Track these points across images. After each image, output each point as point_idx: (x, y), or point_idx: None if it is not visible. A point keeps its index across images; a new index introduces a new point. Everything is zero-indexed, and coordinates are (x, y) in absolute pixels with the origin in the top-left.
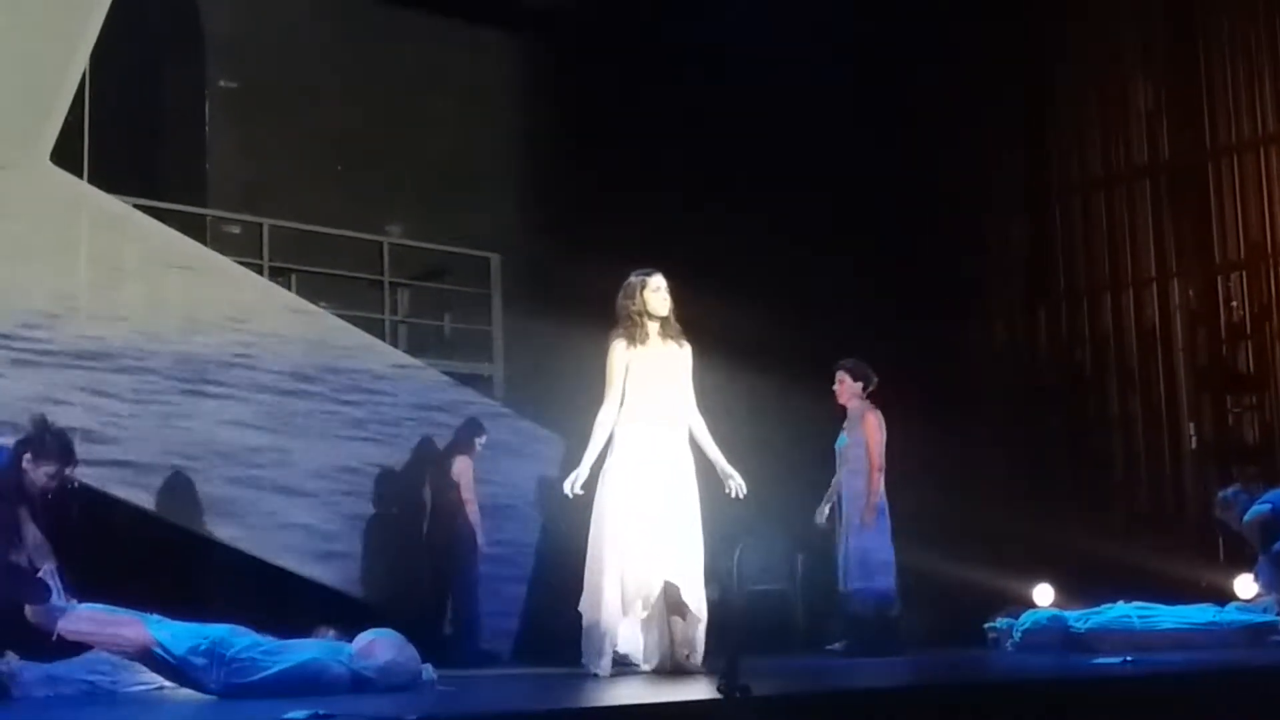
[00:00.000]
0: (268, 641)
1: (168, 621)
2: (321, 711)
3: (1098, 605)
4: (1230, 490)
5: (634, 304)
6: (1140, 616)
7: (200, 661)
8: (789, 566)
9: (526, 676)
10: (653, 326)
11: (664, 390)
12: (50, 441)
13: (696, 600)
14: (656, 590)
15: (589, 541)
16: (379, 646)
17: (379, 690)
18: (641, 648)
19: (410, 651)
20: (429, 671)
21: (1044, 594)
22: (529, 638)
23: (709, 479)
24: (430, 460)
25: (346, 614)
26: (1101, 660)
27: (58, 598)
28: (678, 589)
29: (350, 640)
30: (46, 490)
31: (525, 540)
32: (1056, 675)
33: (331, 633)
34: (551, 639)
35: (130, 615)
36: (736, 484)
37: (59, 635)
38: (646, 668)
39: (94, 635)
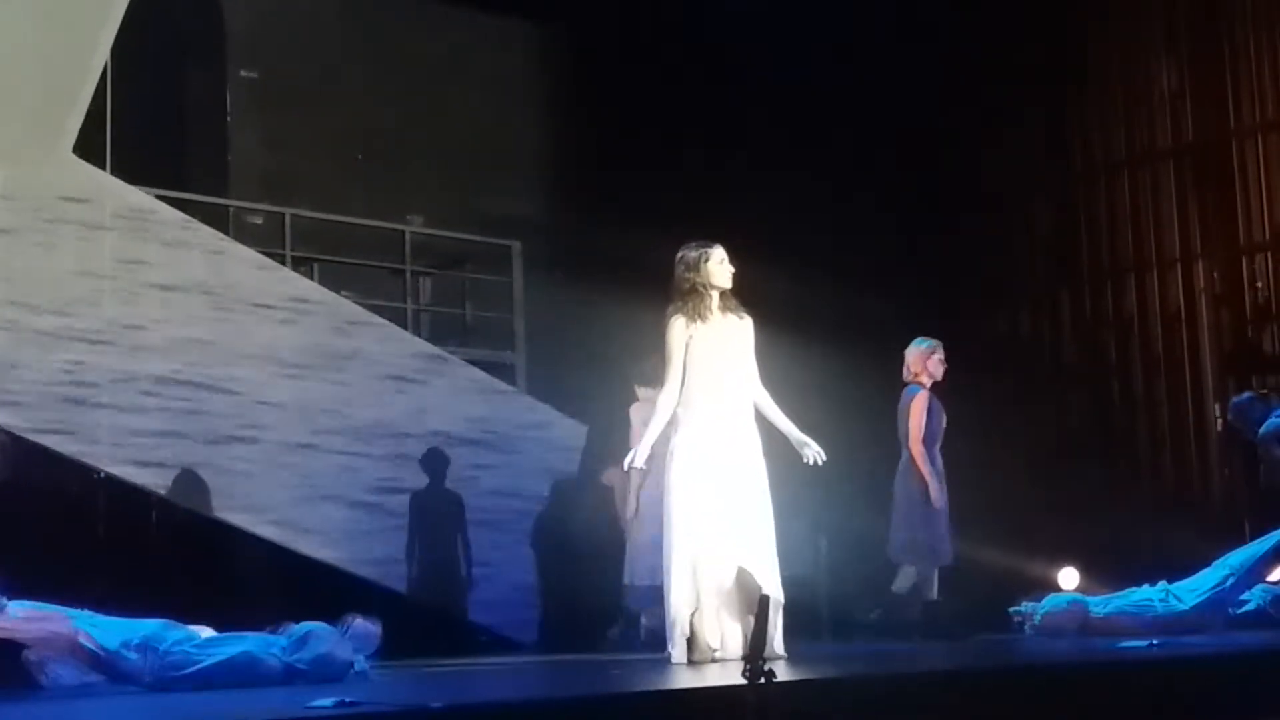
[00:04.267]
0: (200, 635)
1: (97, 616)
2: (348, 699)
3: (1123, 588)
4: (1245, 396)
5: (697, 276)
6: (1161, 600)
7: (133, 656)
8: (813, 550)
9: (549, 664)
10: (714, 300)
11: (727, 366)
12: None
13: (773, 586)
14: (730, 579)
15: (662, 529)
16: (312, 640)
17: (311, 682)
18: (723, 636)
19: (343, 644)
20: (361, 663)
21: (1069, 577)
22: (553, 624)
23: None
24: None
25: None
26: (1127, 644)
27: None
28: (752, 576)
29: (283, 633)
30: None
31: (548, 528)
32: (1077, 659)
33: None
34: (576, 625)
35: (59, 612)
36: (814, 451)
37: None
38: (730, 656)
39: (24, 632)
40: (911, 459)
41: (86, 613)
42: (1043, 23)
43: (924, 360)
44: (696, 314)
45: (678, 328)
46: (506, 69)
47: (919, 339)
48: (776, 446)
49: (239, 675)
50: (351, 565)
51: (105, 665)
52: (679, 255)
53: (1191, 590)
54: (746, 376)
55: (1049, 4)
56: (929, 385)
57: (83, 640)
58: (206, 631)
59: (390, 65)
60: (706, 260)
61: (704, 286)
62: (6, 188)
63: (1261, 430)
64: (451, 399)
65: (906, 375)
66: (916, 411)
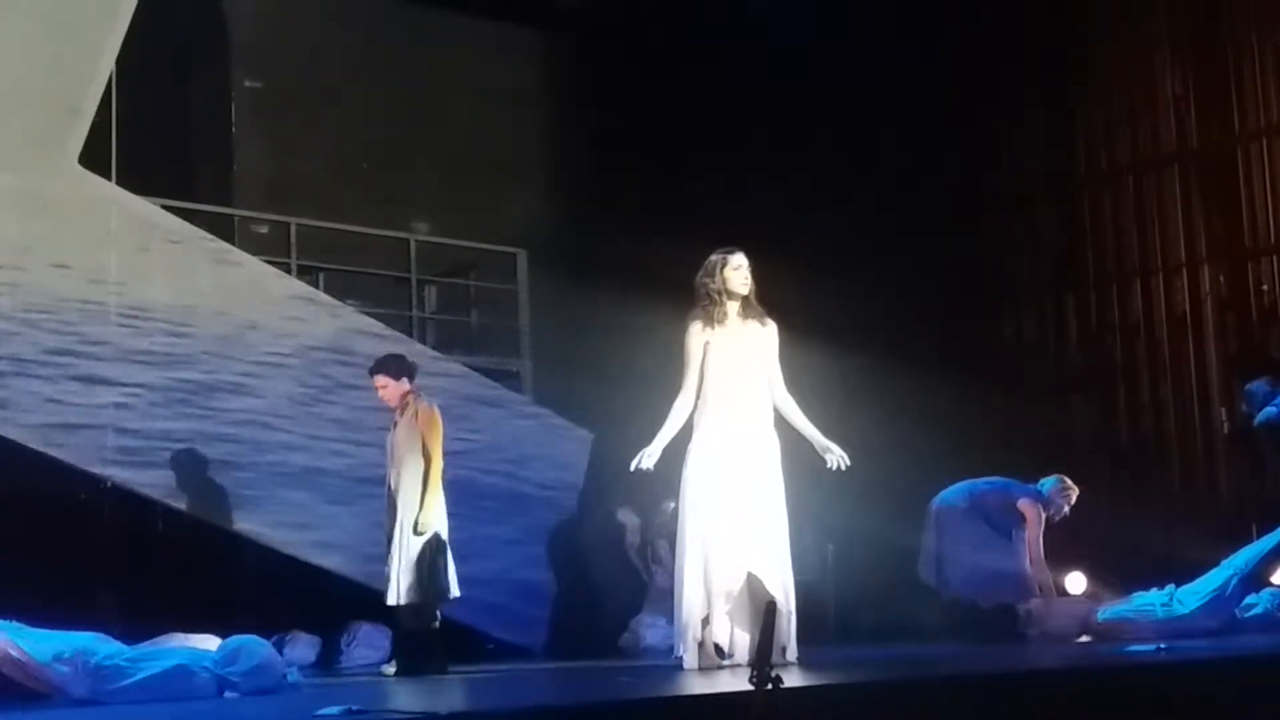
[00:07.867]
0: (131, 649)
1: (25, 628)
2: (355, 708)
3: (1131, 592)
4: (1257, 383)
5: (713, 282)
6: (1164, 604)
7: (65, 669)
8: (819, 557)
9: (558, 670)
10: (732, 306)
11: (745, 371)
12: None
13: (784, 594)
14: (739, 584)
15: (677, 534)
16: (244, 653)
17: (244, 694)
18: (734, 642)
19: (274, 656)
20: (294, 674)
21: (1076, 582)
22: (561, 631)
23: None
24: None
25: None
26: (1135, 649)
27: None
28: (762, 583)
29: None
30: None
31: (555, 535)
32: (1085, 664)
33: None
34: (584, 632)
35: None
36: (837, 455)
37: None
38: (740, 661)
39: None
40: (1030, 571)
41: (15, 624)
42: (1047, 26)
43: (1058, 496)
44: (713, 319)
45: (694, 333)
46: (511, 77)
47: (1066, 479)
48: (785, 453)
49: (171, 688)
50: (359, 573)
51: (36, 677)
52: (704, 261)
53: (1195, 593)
54: (768, 382)
55: (1052, 7)
56: (1045, 512)
57: (12, 652)
58: (213, 641)
59: (395, 74)
60: (723, 267)
61: (719, 293)
62: (13, 198)
63: (1257, 419)
64: (457, 406)
65: (1038, 498)
66: (1034, 524)
